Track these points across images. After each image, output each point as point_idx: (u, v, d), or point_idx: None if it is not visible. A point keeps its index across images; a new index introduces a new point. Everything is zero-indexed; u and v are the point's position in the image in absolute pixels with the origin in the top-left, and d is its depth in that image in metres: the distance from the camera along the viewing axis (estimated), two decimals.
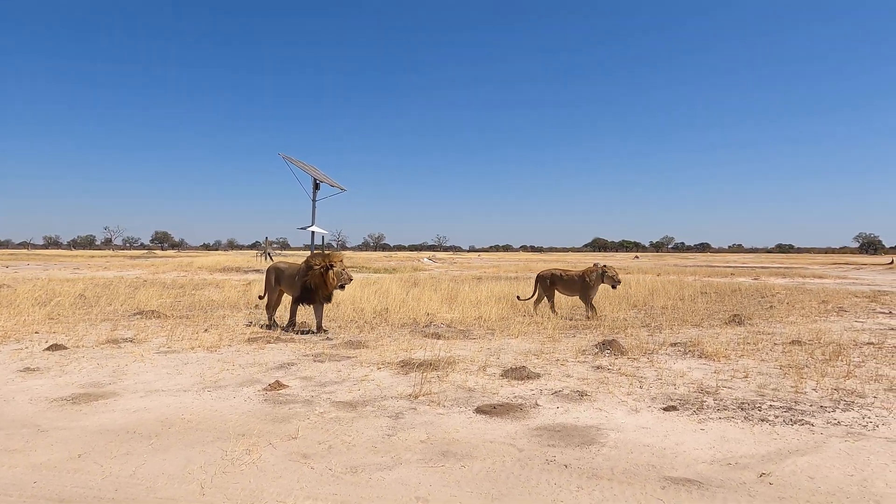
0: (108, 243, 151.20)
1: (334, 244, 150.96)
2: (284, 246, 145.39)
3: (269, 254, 36.62)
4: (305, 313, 9.45)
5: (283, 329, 8.24)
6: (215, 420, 4.10)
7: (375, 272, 25.80)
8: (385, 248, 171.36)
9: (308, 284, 7.91)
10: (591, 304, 9.92)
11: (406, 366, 5.74)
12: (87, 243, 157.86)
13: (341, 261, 7.92)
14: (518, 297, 11.42)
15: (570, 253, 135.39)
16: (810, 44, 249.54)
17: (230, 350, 6.60)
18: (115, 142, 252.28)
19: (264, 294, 9.17)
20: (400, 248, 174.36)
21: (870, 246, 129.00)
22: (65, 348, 6.54)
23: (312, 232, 34.23)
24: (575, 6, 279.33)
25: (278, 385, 4.96)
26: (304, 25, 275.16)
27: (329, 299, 8.11)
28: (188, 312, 9.97)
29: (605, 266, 9.95)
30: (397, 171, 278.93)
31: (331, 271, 7.73)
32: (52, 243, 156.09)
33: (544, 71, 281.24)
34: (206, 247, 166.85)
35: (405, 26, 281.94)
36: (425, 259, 51.16)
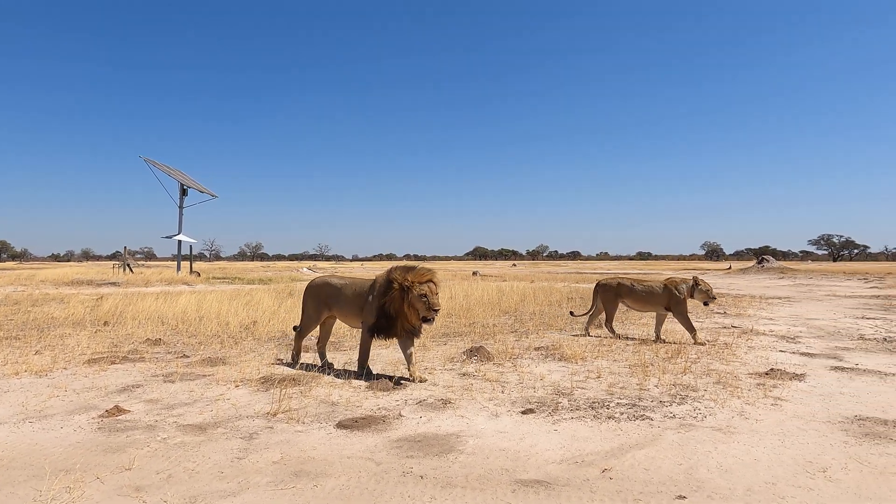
0: None
1: (206, 254, 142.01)
2: (150, 256, 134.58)
3: (129, 265, 33.52)
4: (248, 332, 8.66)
5: (357, 377, 5.74)
6: (34, 455, 3.59)
7: (249, 283, 24.55)
8: (263, 257, 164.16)
9: (388, 309, 5.58)
10: (691, 324, 8.16)
11: (267, 382, 5.45)
12: None
13: (431, 280, 5.44)
14: (571, 313, 10.31)
15: (453, 262, 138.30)
16: (661, 55, 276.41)
17: (65, 374, 5.88)
18: None
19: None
20: (280, 257, 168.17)
21: (713, 253, 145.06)
22: None
23: (179, 241, 32.00)
24: (446, 10, 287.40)
25: (117, 410, 4.48)
26: (167, 15, 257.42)
27: (416, 332, 5.69)
28: (19, 332, 8.79)
29: (696, 277, 8.41)
30: (275, 177, 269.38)
31: (410, 293, 5.40)
32: None
33: (421, 75, 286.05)
34: (56, 258, 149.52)
35: (279, 23, 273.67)
36: (305, 269, 49.65)
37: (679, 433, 4.02)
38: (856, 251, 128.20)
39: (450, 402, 4.80)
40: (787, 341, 8.25)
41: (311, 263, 79.88)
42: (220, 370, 6.04)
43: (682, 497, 2.99)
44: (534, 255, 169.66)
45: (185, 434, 4.00)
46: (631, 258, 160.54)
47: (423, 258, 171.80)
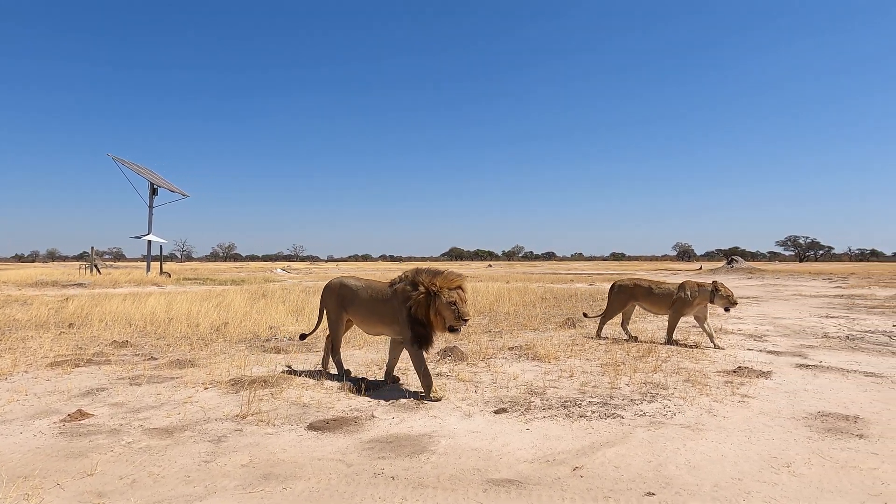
0: None
1: (177, 255, 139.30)
2: (118, 257, 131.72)
3: (96, 266, 32.71)
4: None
5: (433, 397, 4.94)
6: None
7: (221, 284, 24.16)
8: (236, 258, 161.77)
9: (416, 315, 5.03)
10: (675, 326, 8.15)
11: (237, 384, 5.35)
12: None
13: (460, 287, 4.91)
14: (585, 315, 10.19)
15: (429, 262, 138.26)
16: (638, 57, 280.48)
17: (26, 377, 5.70)
18: None
19: (317, 327, 6.51)
20: (253, 258, 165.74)
21: (685, 254, 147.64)
22: None
23: (149, 241, 31.35)
24: (430, 10, 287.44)
25: (80, 414, 4.36)
26: (135, 12, 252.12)
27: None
28: None
29: (716, 282, 8.02)
30: (249, 177, 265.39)
31: (438, 300, 4.86)
32: None
33: (402, 74, 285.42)
34: (20, 258, 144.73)
35: (251, 21, 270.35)
36: (278, 270, 49.05)
37: (649, 431, 4.07)
38: (821, 252, 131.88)
39: (422, 403, 4.79)
40: (755, 340, 8.43)
41: (285, 264, 78.87)
42: (188, 372, 5.92)
43: (651, 494, 3.02)
44: (510, 256, 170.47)
45: (150, 438, 3.90)
46: (605, 259, 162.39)
47: (399, 259, 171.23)
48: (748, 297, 17.41)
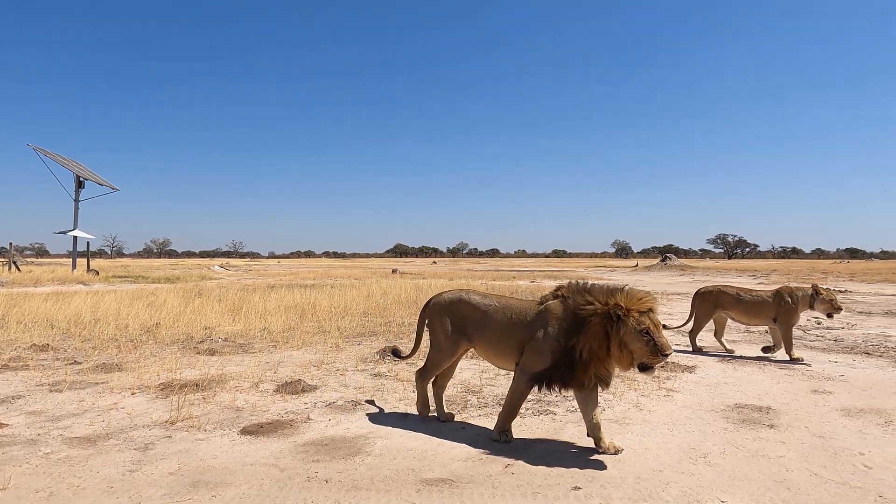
0: None
1: (107, 251, 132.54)
2: (41, 253, 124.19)
3: (15, 262, 30.72)
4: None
5: (500, 439, 3.91)
6: None
7: (154, 282, 23.20)
8: (171, 254, 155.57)
9: (580, 350, 3.71)
10: (791, 340, 7.02)
11: (167, 388, 5.18)
12: None
13: (651, 309, 3.63)
14: (665, 327, 8.54)
15: (374, 259, 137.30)
16: (577, 54, 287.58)
17: None
18: None
19: (414, 350, 4.86)
20: (190, 254, 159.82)
21: (623, 251, 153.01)
22: None
23: (75, 237, 29.70)
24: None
25: None
26: None
27: (607, 382, 3.84)
28: None
29: (816, 286, 7.12)
30: (184, 170, 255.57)
31: (624, 327, 3.57)
32: None
33: (342, 65, 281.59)
34: None
35: (181, 8, 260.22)
36: (216, 267, 47.50)
37: (579, 426, 4.21)
38: (747, 249, 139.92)
39: (360, 404, 4.79)
40: (683, 335, 8.84)
41: (223, 261, 76.38)
42: (115, 377, 5.68)
43: (577, 488, 3.14)
44: (454, 253, 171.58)
45: (71, 448, 3.73)
46: (547, 256, 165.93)
47: (344, 255, 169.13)
48: (679, 294, 18.22)
